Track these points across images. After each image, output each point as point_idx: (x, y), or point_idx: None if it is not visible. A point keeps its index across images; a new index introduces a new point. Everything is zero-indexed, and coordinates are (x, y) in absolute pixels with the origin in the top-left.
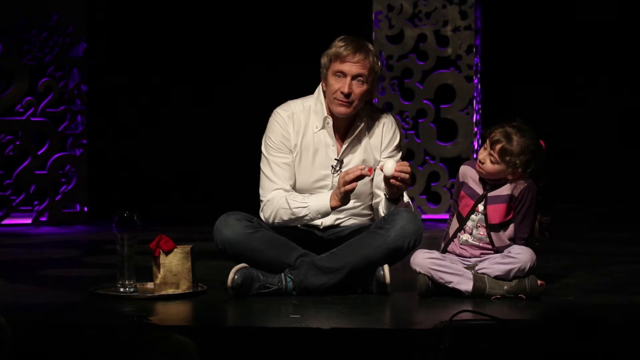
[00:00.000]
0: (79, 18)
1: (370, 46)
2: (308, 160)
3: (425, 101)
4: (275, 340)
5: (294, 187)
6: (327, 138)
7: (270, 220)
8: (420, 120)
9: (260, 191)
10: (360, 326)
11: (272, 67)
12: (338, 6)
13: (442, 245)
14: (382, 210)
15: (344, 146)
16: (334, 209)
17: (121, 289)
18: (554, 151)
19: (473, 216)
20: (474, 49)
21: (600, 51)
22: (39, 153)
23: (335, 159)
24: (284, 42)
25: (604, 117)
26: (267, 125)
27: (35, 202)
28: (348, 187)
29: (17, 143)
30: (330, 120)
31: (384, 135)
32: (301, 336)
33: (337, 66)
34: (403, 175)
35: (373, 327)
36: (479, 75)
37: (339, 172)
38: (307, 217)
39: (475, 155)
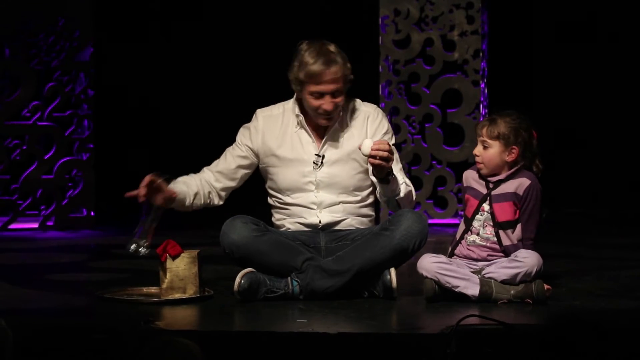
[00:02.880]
0: (86, 22)
1: (335, 51)
2: (290, 160)
3: (432, 106)
4: (281, 345)
5: (275, 188)
6: (303, 135)
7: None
8: (427, 125)
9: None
10: (367, 331)
11: (278, 71)
12: (345, 11)
13: (450, 249)
14: (379, 195)
15: (323, 141)
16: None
17: (131, 247)
18: (559, 155)
19: (478, 216)
20: (481, 54)
21: (606, 53)
22: (46, 157)
23: (316, 155)
24: (289, 46)
25: (610, 121)
26: None
27: (42, 207)
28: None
29: (24, 147)
30: (302, 117)
31: (369, 126)
32: (308, 341)
33: (314, 87)
34: (381, 153)
35: (380, 332)
36: (485, 80)
37: (320, 167)
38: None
39: None
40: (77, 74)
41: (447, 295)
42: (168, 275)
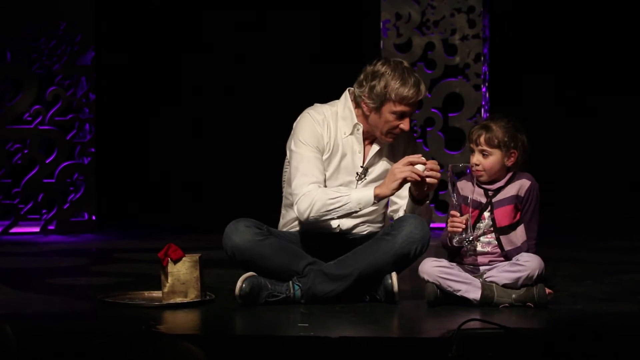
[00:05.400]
0: (87, 26)
1: (420, 76)
2: (334, 165)
3: (433, 110)
4: (283, 349)
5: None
6: (354, 144)
7: (306, 215)
8: (428, 129)
9: (294, 187)
10: (368, 335)
11: (282, 76)
12: (347, 14)
13: (448, 254)
14: (406, 210)
15: (370, 154)
16: (377, 198)
17: (457, 243)
18: (560, 158)
19: (479, 224)
20: (482, 58)
21: (608, 58)
22: (47, 161)
23: (361, 167)
24: (289, 50)
25: (612, 125)
26: (298, 125)
27: (44, 211)
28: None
29: (26, 151)
30: (360, 127)
31: (407, 144)
32: (309, 345)
33: (400, 107)
34: (433, 174)
35: (381, 336)
36: (487, 84)
37: (363, 179)
38: (345, 207)
39: None
40: (78, 78)
41: (448, 299)
42: (169, 279)
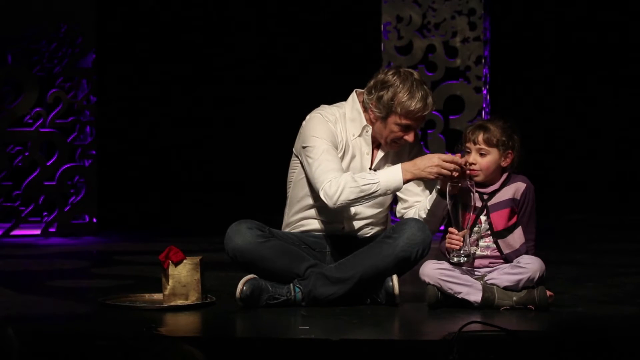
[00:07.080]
0: (88, 29)
1: (425, 84)
2: (344, 165)
3: (434, 112)
4: (283, 352)
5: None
6: (363, 146)
7: (334, 199)
8: (429, 131)
9: (317, 174)
10: (369, 337)
11: (283, 79)
12: (347, 17)
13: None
14: (428, 207)
15: (377, 157)
16: (406, 182)
17: (455, 259)
18: (560, 161)
19: (476, 228)
20: (483, 60)
21: (609, 60)
22: (48, 164)
23: (370, 168)
24: (289, 51)
25: (613, 127)
26: (309, 124)
27: (45, 213)
28: (444, 171)
29: (26, 154)
30: (369, 129)
31: (411, 147)
32: (310, 347)
33: (405, 121)
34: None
35: (382, 338)
36: (487, 86)
37: None
38: (375, 194)
39: None
40: (79, 81)
41: (449, 302)
42: (170, 281)
